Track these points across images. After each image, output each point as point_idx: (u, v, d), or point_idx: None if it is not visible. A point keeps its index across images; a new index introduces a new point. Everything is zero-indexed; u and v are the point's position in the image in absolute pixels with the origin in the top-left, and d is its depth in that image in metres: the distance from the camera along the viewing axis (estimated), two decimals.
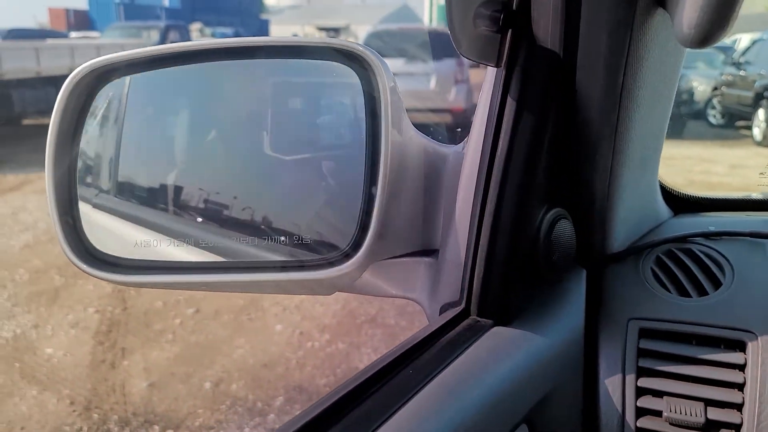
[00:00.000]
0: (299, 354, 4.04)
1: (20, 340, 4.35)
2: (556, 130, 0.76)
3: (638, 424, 0.82)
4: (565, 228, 0.83)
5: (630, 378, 0.84)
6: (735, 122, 10.58)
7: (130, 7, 36.49)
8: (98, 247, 0.78)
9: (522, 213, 0.75)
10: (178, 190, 0.78)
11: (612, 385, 0.85)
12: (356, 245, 0.69)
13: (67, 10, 36.63)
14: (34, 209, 7.47)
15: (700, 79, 11.64)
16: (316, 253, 0.70)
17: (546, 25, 0.71)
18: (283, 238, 0.71)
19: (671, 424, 0.80)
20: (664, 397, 0.82)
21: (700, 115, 11.09)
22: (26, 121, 13.24)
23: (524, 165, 0.73)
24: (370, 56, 0.69)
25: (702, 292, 0.89)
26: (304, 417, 0.58)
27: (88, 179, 0.80)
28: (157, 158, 0.81)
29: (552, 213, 0.81)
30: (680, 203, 1.15)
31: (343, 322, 4.45)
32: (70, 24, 34.77)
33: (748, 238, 0.96)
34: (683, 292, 0.90)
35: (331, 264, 0.69)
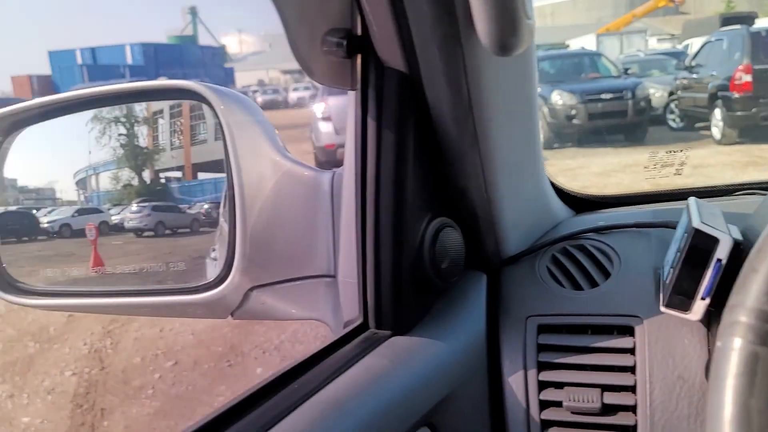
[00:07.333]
0: None
1: None
2: (419, 144, 0.80)
3: (542, 416, 0.85)
4: (451, 236, 0.86)
5: (532, 373, 0.87)
6: (694, 124, 10.76)
7: (93, 68, 36.60)
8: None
9: (400, 225, 0.78)
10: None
11: (516, 382, 0.88)
12: (228, 270, 0.73)
13: (31, 77, 36.65)
14: None
15: (657, 85, 11.90)
16: (194, 280, 0.74)
17: (387, 46, 0.74)
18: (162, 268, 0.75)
19: (572, 412, 0.84)
20: (565, 388, 0.85)
21: (660, 120, 11.29)
22: None
23: (393, 179, 0.76)
24: (204, 90, 0.72)
25: (593, 284, 0.93)
26: None
27: None
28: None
29: (435, 222, 0.84)
30: (580, 204, 1.20)
31: None
32: (34, 91, 34.76)
33: (633, 228, 1.00)
34: (577, 286, 0.93)
35: (207, 288, 0.73)
